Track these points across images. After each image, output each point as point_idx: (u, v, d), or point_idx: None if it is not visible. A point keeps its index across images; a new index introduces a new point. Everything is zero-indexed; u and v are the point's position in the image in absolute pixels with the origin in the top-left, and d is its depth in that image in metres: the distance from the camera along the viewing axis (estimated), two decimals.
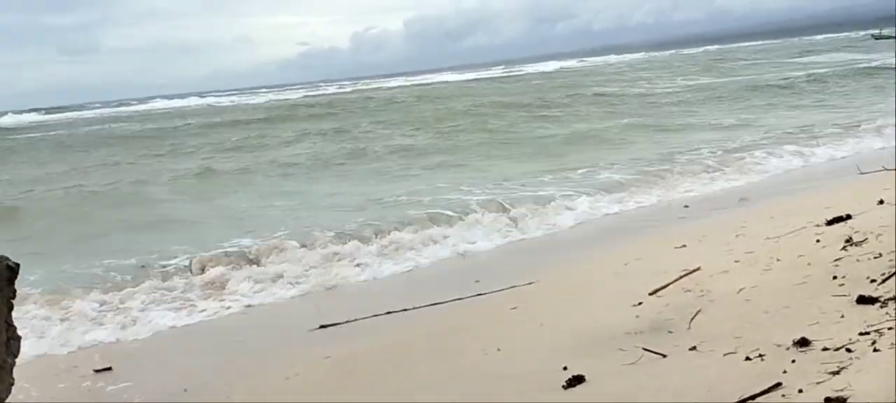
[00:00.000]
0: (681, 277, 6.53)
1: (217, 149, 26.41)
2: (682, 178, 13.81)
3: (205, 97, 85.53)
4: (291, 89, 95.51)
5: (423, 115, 33.18)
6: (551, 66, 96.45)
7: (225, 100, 73.07)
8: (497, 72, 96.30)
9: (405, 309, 7.50)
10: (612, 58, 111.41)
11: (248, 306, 8.51)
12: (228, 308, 8.46)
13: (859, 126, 18.41)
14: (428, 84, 73.23)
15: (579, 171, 15.34)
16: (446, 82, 74.72)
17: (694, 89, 35.91)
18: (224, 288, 8.87)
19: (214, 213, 14.11)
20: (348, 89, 78.91)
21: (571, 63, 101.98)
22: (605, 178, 14.21)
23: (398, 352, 6.27)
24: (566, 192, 12.90)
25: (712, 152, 16.21)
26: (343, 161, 20.75)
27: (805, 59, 54.67)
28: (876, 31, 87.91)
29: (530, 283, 7.86)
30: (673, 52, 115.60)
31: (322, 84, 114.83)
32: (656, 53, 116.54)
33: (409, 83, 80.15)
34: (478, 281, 8.15)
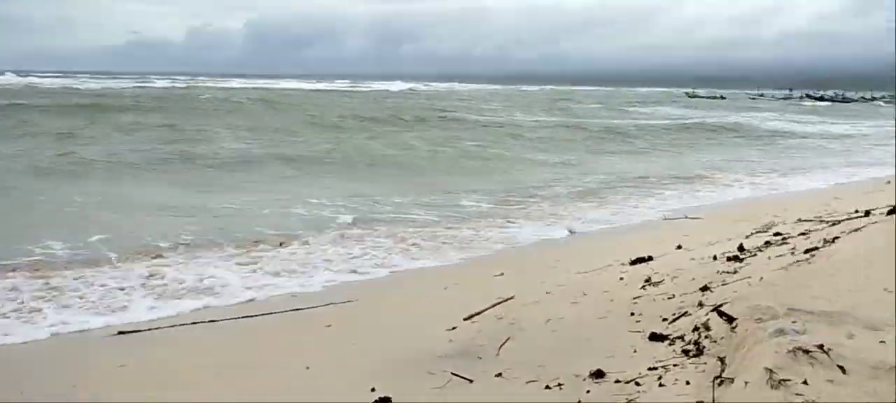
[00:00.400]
0: (495, 305, 6.74)
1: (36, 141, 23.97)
2: (530, 209, 14.07)
3: (25, 77, 78.55)
4: (120, 78, 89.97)
5: (276, 123, 32.26)
6: (398, 85, 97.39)
7: (47, 82, 67.59)
8: (342, 85, 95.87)
9: (213, 321, 7.23)
10: (457, 85, 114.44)
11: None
12: None
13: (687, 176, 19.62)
14: (272, 88, 71.46)
15: (431, 197, 15.31)
16: (295, 89, 73.32)
17: (551, 127, 37.13)
18: None
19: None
20: (182, 85, 75.42)
21: (418, 85, 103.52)
22: (451, 203, 14.36)
23: (197, 365, 6.03)
24: (405, 215, 12.99)
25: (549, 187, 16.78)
26: (171, 163, 19.75)
27: (639, 110, 58.80)
28: (690, 90, 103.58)
29: (349, 302, 7.82)
30: (514, 87, 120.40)
31: (153, 76, 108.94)
32: (498, 86, 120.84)
33: (252, 85, 77.88)
34: (294, 296, 8.02)
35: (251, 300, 8.06)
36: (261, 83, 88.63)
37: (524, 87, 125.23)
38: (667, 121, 43.37)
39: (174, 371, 5.89)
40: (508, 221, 12.65)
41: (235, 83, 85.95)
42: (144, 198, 14.32)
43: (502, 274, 8.55)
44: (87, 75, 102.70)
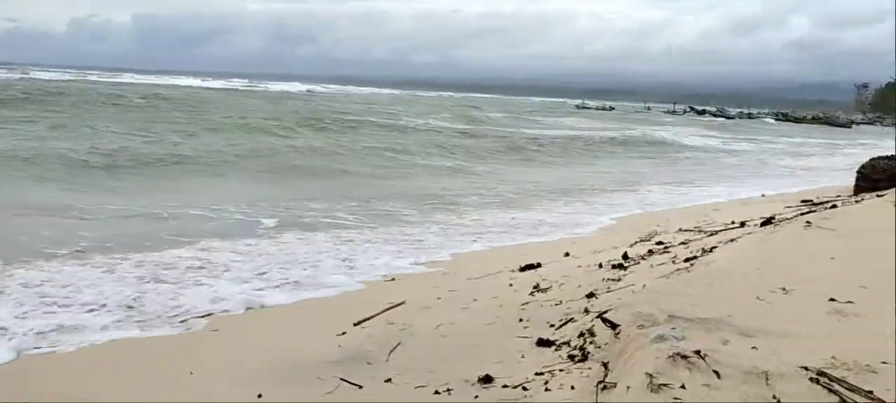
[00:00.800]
0: (386, 310, 6.71)
1: None
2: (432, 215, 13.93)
3: None
4: None
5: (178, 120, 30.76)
6: (296, 86, 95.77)
7: None
8: (238, 83, 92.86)
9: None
10: (352, 88, 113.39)
11: None
12: None
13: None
14: (165, 85, 68.73)
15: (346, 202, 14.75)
16: (190, 87, 70.71)
17: (464, 135, 36.58)
18: None
19: None
20: (68, 78, 71.36)
21: (316, 87, 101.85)
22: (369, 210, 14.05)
23: (76, 370, 5.71)
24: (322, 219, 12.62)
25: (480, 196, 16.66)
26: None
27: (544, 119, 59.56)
28: (580, 102, 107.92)
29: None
30: (411, 92, 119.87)
31: (33, 68, 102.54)
32: (396, 91, 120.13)
33: (145, 81, 74.53)
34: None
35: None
36: (153, 79, 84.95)
37: (422, 93, 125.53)
38: (565, 132, 44.13)
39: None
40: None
41: (126, 78, 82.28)
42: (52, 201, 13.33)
43: (393, 279, 8.52)
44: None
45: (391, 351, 5.60)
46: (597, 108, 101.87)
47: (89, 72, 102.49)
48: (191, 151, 22.06)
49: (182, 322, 6.82)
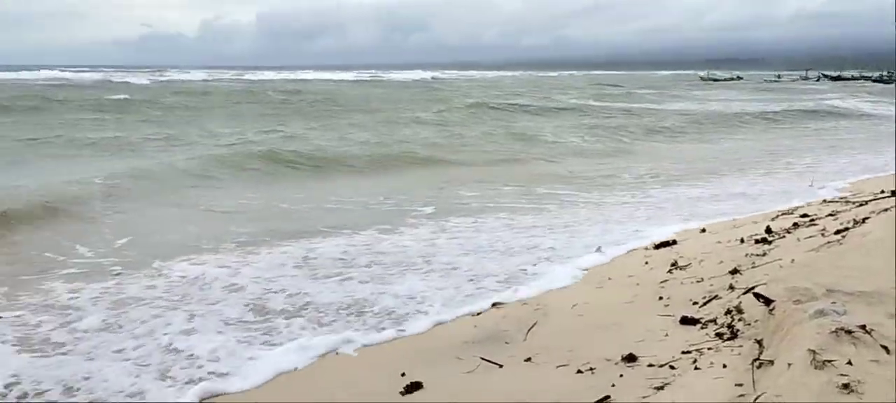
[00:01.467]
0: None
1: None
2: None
3: (53, 70, 77.44)
4: (136, 72, 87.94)
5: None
6: (420, 73, 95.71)
7: (82, 77, 66.47)
8: (365, 75, 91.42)
9: None
10: (474, 73, 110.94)
11: None
12: None
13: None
14: (297, 80, 68.85)
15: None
16: (319, 80, 70.40)
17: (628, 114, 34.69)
18: None
19: None
20: (203, 77, 72.78)
21: (438, 73, 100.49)
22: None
23: None
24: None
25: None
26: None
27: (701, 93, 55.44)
28: (705, 73, 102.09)
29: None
30: (530, 73, 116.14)
31: (172, 69, 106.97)
32: (516, 73, 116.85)
33: (278, 77, 74.88)
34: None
35: None
36: (286, 74, 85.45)
37: (540, 73, 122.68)
38: (713, 106, 40.88)
39: None
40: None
41: (259, 75, 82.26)
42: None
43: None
44: (105, 68, 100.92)
45: (528, 331, 5.57)
46: (726, 79, 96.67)
47: (219, 70, 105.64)
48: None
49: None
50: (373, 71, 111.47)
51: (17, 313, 6.46)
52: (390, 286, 7.16)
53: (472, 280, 7.34)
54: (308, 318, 6.33)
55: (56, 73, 71.91)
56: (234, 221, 10.46)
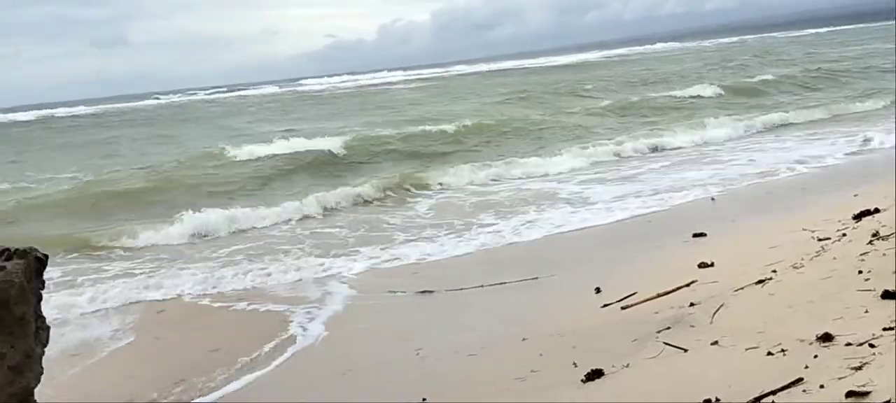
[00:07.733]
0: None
1: None
2: None
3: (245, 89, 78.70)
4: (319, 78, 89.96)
5: None
6: (634, 49, 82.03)
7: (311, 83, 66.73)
8: (565, 59, 79.29)
9: None
10: (675, 44, 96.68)
11: None
12: None
13: None
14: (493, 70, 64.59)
15: None
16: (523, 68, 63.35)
17: None
18: None
19: None
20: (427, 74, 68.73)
21: (636, 48, 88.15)
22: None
23: None
24: None
25: None
26: None
27: None
28: None
29: (553, 276, 7.87)
30: (719, 41, 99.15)
31: (359, 74, 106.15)
32: (723, 40, 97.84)
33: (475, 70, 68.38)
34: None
35: None
36: (484, 67, 74.13)
37: (723, 39, 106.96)
38: None
39: None
40: None
41: (456, 69, 75.32)
42: None
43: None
44: (305, 78, 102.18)
45: (714, 313, 5.42)
46: None
47: (394, 72, 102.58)
48: None
49: None
50: (602, 51, 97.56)
51: None
52: None
53: None
54: None
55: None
56: None
